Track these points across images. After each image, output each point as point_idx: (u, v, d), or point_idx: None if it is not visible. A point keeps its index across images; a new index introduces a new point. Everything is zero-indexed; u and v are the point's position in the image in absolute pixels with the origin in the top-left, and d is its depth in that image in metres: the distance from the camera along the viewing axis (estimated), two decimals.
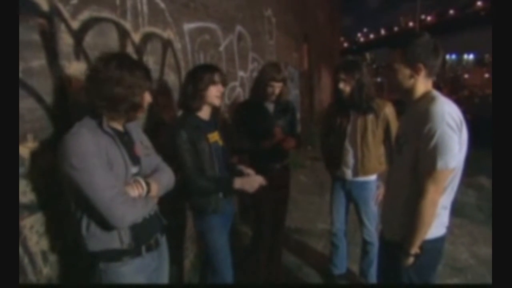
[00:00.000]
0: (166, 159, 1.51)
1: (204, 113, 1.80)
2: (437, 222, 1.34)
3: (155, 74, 2.06)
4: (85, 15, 1.49)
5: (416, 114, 1.34)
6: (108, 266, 1.21)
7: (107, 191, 1.10)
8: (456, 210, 1.43)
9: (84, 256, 1.25)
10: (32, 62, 1.25)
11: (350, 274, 2.59)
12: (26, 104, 1.23)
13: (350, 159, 2.23)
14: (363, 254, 2.43)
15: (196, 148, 1.71)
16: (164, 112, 2.16)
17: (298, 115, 5.47)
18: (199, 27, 2.62)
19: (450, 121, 1.23)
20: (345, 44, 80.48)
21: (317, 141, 7.57)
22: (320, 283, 2.51)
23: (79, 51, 1.46)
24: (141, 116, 1.86)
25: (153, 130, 1.95)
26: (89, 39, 1.52)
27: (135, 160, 1.30)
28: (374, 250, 2.30)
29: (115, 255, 1.21)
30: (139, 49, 1.87)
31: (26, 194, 1.25)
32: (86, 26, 1.50)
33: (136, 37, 1.85)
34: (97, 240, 1.18)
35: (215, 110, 1.88)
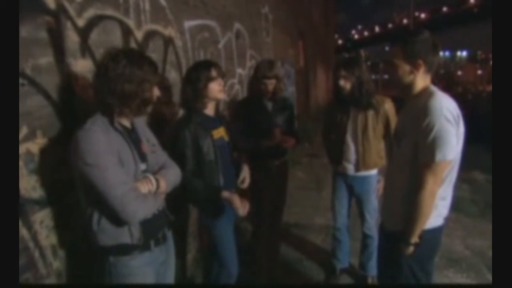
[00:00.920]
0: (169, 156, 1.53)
1: (209, 110, 1.82)
2: (435, 213, 1.39)
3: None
4: (90, 12, 1.51)
5: (415, 109, 1.39)
6: (118, 260, 1.23)
7: (119, 187, 1.12)
8: (451, 204, 1.49)
9: (93, 250, 1.27)
10: (40, 59, 1.27)
11: (352, 268, 2.64)
12: (35, 101, 1.26)
13: (351, 154, 2.27)
14: (362, 247, 2.48)
15: (199, 146, 1.72)
16: (165, 109, 2.18)
17: (295, 112, 5.50)
18: (198, 24, 2.64)
19: (448, 115, 1.28)
20: (340, 41, 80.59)
21: (314, 138, 7.64)
22: (319, 283, 2.54)
23: (84, 48, 1.48)
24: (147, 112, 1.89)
25: (155, 126, 1.98)
26: (94, 36, 1.54)
27: (143, 157, 1.32)
28: (374, 244, 2.35)
29: (125, 249, 1.23)
30: (142, 47, 1.89)
31: (36, 189, 1.27)
32: (91, 23, 1.52)
33: (139, 34, 1.87)
34: (107, 235, 1.21)
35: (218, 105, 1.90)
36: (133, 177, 1.22)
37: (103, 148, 1.12)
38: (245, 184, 1.98)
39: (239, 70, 3.64)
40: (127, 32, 1.76)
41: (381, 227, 1.67)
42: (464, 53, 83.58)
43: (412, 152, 1.38)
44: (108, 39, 1.62)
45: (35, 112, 1.25)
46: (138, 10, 1.86)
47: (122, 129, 1.25)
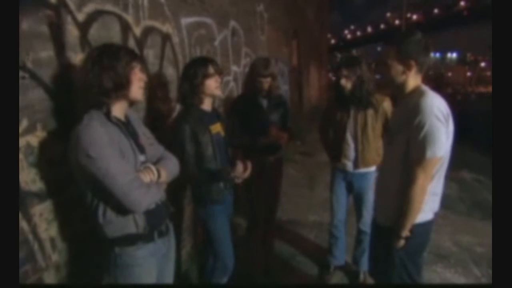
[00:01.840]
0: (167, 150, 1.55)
1: (206, 105, 1.84)
2: (426, 208, 1.44)
3: (154, 68, 2.10)
4: (90, 7, 1.52)
5: (407, 107, 1.44)
6: (123, 250, 1.26)
7: (123, 177, 1.14)
8: (440, 202, 1.55)
9: (96, 242, 1.29)
10: (40, 53, 1.28)
11: (347, 265, 2.67)
12: (35, 94, 1.26)
13: (351, 152, 2.31)
14: (356, 243, 2.53)
15: (199, 141, 1.75)
16: (162, 105, 2.20)
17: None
18: (195, 21, 2.65)
19: (438, 114, 1.34)
20: (333, 41, 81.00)
21: (306, 136, 7.68)
22: (313, 283, 2.57)
23: (84, 43, 1.49)
24: (141, 107, 1.91)
25: (152, 123, 1.99)
26: (93, 31, 1.54)
27: (141, 149, 1.34)
28: (367, 239, 2.39)
29: (131, 240, 1.26)
30: (140, 43, 1.90)
31: (35, 182, 1.28)
32: (91, 18, 1.53)
33: (137, 30, 1.87)
34: (114, 226, 1.23)
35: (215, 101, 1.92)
36: (134, 168, 1.24)
37: (105, 140, 1.14)
38: (245, 175, 1.95)
39: (234, 68, 3.66)
40: (125, 27, 1.77)
41: (373, 222, 1.72)
42: (454, 55, 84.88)
43: (404, 149, 1.43)
44: (107, 34, 1.63)
45: (36, 105, 1.26)
46: (137, 6, 1.86)
47: (118, 122, 1.27)
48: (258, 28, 4.70)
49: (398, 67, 1.46)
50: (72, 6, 1.42)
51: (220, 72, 1.84)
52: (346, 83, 2.19)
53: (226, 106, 3.01)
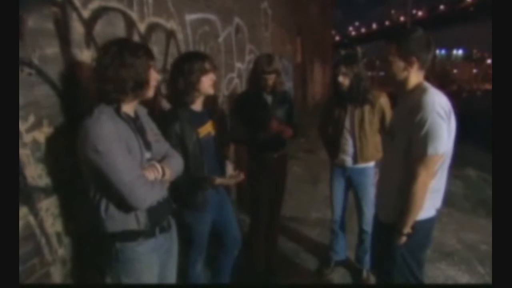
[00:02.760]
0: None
1: (197, 105, 1.78)
2: (428, 204, 1.44)
3: (158, 64, 2.10)
4: (95, 4, 1.53)
5: (408, 104, 1.44)
6: (124, 245, 1.27)
7: (128, 173, 1.15)
8: (445, 199, 1.54)
9: (99, 237, 1.30)
10: (46, 50, 1.30)
11: (348, 261, 2.68)
12: (41, 90, 1.28)
13: (349, 147, 2.32)
14: (359, 242, 2.53)
15: (185, 145, 1.69)
16: (166, 102, 2.20)
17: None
18: (199, 18, 2.66)
19: (439, 111, 1.33)
20: (337, 38, 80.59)
21: (310, 133, 7.68)
22: (317, 283, 2.57)
23: (89, 39, 1.51)
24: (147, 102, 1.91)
25: (156, 119, 2.00)
26: (98, 28, 1.56)
27: (148, 145, 1.34)
28: (369, 239, 2.39)
29: (132, 235, 1.27)
30: (145, 39, 1.91)
31: (42, 177, 1.30)
32: (96, 15, 1.54)
33: (142, 27, 1.89)
34: (115, 221, 1.24)
35: (209, 99, 1.87)
36: (139, 165, 1.25)
37: (113, 135, 1.15)
38: (238, 179, 1.91)
39: (238, 64, 3.67)
40: (130, 24, 1.78)
41: (375, 219, 1.72)
42: (460, 52, 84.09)
43: (406, 146, 1.42)
44: (112, 31, 1.64)
45: (42, 102, 1.28)
46: (141, 3, 1.87)
47: (127, 118, 1.27)
48: (262, 24, 4.69)
49: (399, 64, 1.45)
50: (77, 3, 1.43)
51: (215, 69, 1.77)
52: (344, 80, 2.21)
53: (231, 102, 3.02)
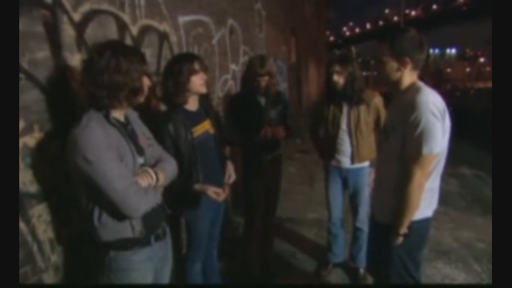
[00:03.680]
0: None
1: (191, 104, 1.78)
2: (424, 205, 1.44)
3: (152, 67, 2.08)
4: (85, 7, 1.51)
5: (402, 104, 1.43)
6: (119, 254, 1.24)
7: (120, 181, 1.12)
8: (440, 198, 1.54)
9: (92, 245, 1.28)
10: (37, 53, 1.27)
11: (347, 262, 2.66)
12: (32, 95, 1.26)
13: (346, 148, 2.32)
14: (353, 240, 2.53)
15: (178, 145, 1.70)
16: (160, 105, 2.18)
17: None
18: (193, 20, 2.64)
19: (434, 110, 1.33)
20: (331, 38, 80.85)
21: (306, 134, 7.66)
22: (315, 284, 2.56)
23: (80, 43, 1.48)
24: (140, 105, 1.89)
25: (150, 122, 1.98)
26: (89, 31, 1.54)
27: (140, 151, 1.32)
28: (364, 237, 2.41)
29: (127, 244, 1.24)
30: (137, 42, 1.89)
31: (33, 183, 1.28)
32: (87, 18, 1.52)
33: (134, 29, 1.87)
34: (109, 230, 1.20)
35: (204, 98, 1.87)
36: (132, 171, 1.22)
37: (103, 143, 1.11)
38: (231, 180, 1.98)
39: (232, 66, 3.66)
40: (122, 27, 1.76)
41: (371, 219, 1.72)
42: (453, 51, 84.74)
43: (400, 146, 1.42)
44: (103, 33, 1.62)
45: (32, 106, 1.26)
46: (133, 5, 1.85)
47: (117, 124, 1.24)
48: (256, 26, 4.68)
49: (392, 64, 1.45)
50: (67, 5, 1.41)
51: (206, 69, 1.78)
52: (339, 79, 2.22)
53: (225, 104, 3.00)
